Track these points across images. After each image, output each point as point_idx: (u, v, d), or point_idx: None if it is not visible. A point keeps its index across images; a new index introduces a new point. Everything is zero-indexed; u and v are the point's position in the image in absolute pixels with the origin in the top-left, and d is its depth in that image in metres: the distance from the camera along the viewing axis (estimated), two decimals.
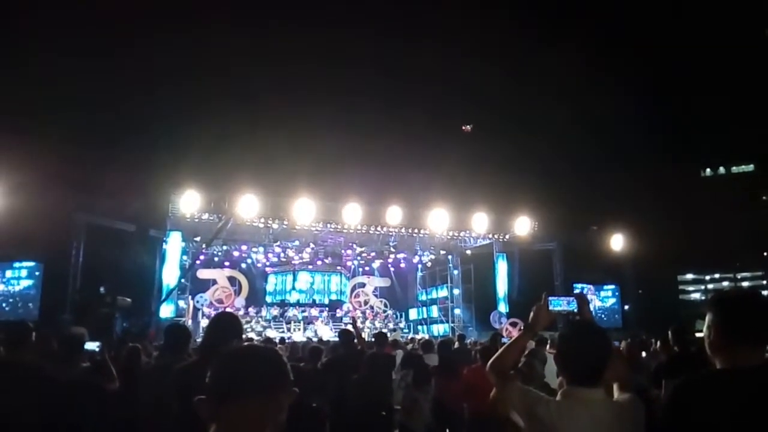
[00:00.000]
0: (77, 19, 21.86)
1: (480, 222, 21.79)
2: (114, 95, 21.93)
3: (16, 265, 18.67)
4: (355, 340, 7.10)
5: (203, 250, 21.54)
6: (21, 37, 20.47)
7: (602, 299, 24.85)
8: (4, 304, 18.29)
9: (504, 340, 7.04)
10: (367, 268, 27.89)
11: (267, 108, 24.98)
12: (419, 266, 28.00)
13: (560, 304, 2.60)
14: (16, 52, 20.23)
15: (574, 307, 2.60)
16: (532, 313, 2.63)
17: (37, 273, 18.70)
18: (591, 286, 24.29)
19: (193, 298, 22.57)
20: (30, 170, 15.82)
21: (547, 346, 7.52)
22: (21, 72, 20.17)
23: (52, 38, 20.61)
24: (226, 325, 3.23)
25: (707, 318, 1.99)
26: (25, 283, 18.67)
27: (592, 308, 2.75)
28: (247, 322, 22.47)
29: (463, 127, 28.98)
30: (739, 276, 55.83)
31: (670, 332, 6.31)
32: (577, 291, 20.40)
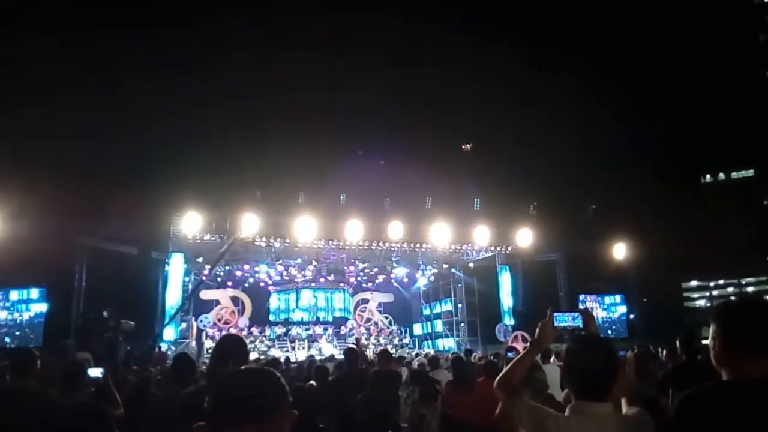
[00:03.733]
0: (79, 46, 22.08)
1: (482, 235, 21.78)
2: (115, 119, 22.07)
3: (24, 291, 18.40)
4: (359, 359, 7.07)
5: (206, 273, 21.53)
6: (25, 64, 20.67)
7: (608, 309, 24.72)
8: (7, 338, 17.69)
9: (510, 354, 7.00)
10: (370, 284, 27.82)
11: (267, 127, 25.06)
12: (422, 280, 27.93)
13: (566, 320, 2.60)
14: (20, 81, 20.41)
15: (579, 322, 2.60)
16: (537, 330, 2.63)
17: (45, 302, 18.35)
18: (595, 296, 24.20)
19: (196, 319, 22.50)
20: (32, 195, 15.87)
21: (552, 359, 7.48)
22: (24, 99, 20.33)
23: (55, 66, 20.80)
24: (230, 347, 3.23)
25: (711, 329, 1.95)
26: (37, 308, 18.34)
27: (597, 320, 2.74)
28: (251, 342, 22.38)
29: (462, 147, 29.14)
30: (743, 281, 55.57)
31: (677, 341, 6.29)
32: (582, 306, 20.31)
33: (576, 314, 2.63)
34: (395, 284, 27.90)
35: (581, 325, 2.61)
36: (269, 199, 20.04)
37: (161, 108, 23.21)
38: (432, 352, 21.81)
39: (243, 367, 1.67)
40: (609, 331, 23.21)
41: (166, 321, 18.83)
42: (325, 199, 21.08)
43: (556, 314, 2.60)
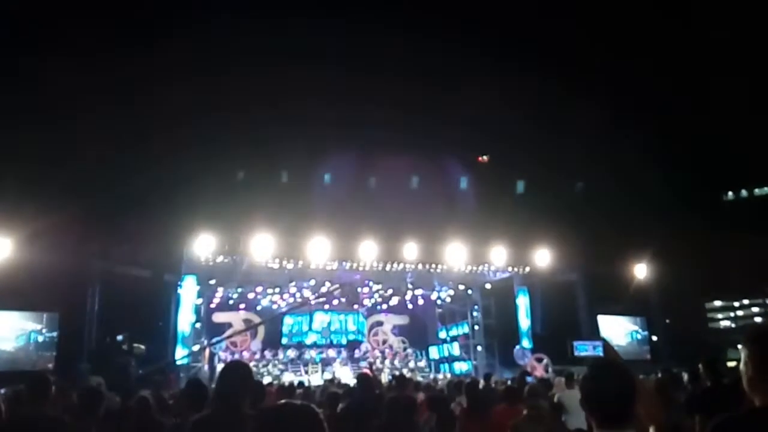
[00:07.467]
0: (92, 64, 22.35)
1: (499, 255, 21.44)
2: (127, 142, 22.23)
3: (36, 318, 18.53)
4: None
5: (311, 303, 21.72)
6: (38, 85, 20.95)
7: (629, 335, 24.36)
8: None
9: (529, 379, 6.75)
10: (384, 306, 27.49)
11: (281, 148, 25.09)
12: (438, 302, 27.54)
13: (586, 349, 2.42)
14: (34, 105, 20.68)
15: (600, 351, 2.45)
16: None
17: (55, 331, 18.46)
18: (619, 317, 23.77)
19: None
20: (45, 218, 15.95)
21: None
22: (36, 121, 20.56)
23: (67, 86, 21.05)
24: (234, 376, 3.35)
25: (743, 354, 1.95)
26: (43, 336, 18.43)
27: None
28: (264, 366, 22.18)
29: (480, 158, 28.83)
30: None
31: (700, 365, 6.20)
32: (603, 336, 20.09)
33: (597, 343, 2.45)
34: (410, 306, 27.56)
35: (602, 354, 2.46)
36: (282, 219, 19.98)
37: (176, 131, 23.33)
38: (449, 376, 21.43)
39: (283, 402, 1.70)
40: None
41: (185, 355, 18.78)
42: (340, 221, 20.97)
43: (576, 343, 2.42)
